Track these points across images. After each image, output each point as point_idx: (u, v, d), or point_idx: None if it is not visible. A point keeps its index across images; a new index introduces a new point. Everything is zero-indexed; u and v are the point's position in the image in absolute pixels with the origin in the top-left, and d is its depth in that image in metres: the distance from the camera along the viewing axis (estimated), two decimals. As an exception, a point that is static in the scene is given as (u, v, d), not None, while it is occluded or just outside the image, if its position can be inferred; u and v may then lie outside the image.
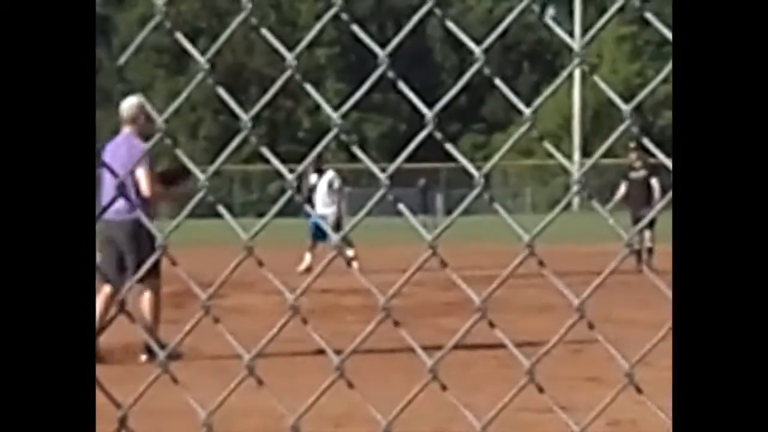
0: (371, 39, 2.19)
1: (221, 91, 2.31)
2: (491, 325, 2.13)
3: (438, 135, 2.11)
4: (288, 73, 2.22)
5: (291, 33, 68.87)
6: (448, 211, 55.86)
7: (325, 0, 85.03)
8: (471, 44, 2.10)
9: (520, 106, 2.08)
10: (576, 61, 2.05)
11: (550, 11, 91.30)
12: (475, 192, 2.12)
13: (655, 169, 20.85)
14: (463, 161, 2.19)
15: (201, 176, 2.28)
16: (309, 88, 2.21)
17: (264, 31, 2.31)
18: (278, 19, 79.11)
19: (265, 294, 15.20)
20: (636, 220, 20.16)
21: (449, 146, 2.16)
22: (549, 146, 2.17)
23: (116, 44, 75.29)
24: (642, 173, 20.65)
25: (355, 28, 2.20)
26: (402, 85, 2.14)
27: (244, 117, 2.24)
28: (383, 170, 2.17)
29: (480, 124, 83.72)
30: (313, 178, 21.44)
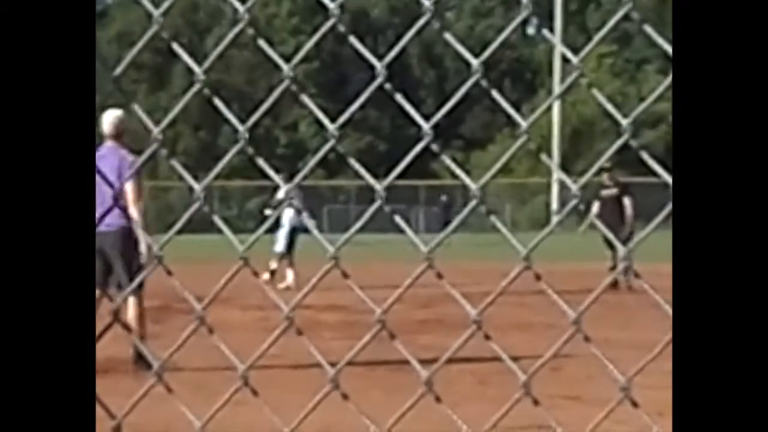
0: (352, 56, 2.20)
1: (218, 103, 2.31)
2: (487, 337, 2.13)
3: (435, 147, 2.11)
4: (285, 83, 2.22)
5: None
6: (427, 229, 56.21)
7: (299, 16, 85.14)
8: (469, 56, 2.11)
9: (518, 119, 2.09)
10: (576, 72, 2.06)
11: (530, 30, 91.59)
12: (472, 205, 2.12)
13: (626, 188, 20.89)
14: (462, 175, 2.19)
15: (197, 186, 2.28)
16: (306, 99, 2.23)
17: (263, 43, 2.32)
18: (253, 35, 78.83)
19: (243, 309, 15.19)
20: (608, 239, 20.14)
21: (447, 159, 2.16)
22: (549, 161, 2.17)
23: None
24: (613, 191, 20.67)
25: (353, 40, 2.21)
26: (399, 98, 2.14)
27: (240, 128, 2.24)
28: (378, 184, 2.17)
29: (459, 141, 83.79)
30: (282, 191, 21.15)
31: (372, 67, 2.18)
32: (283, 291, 19.55)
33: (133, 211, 9.77)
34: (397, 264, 21.38)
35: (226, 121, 2.34)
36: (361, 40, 2.23)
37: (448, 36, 2.16)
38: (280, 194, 21.31)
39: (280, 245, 20.75)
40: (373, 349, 2.36)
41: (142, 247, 9.88)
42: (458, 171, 2.19)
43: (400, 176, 2.18)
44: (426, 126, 2.09)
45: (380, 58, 2.19)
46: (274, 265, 20.41)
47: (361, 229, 2.27)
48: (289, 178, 21.44)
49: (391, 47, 2.19)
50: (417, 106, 2.17)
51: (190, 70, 2.32)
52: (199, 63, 2.33)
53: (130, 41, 75.05)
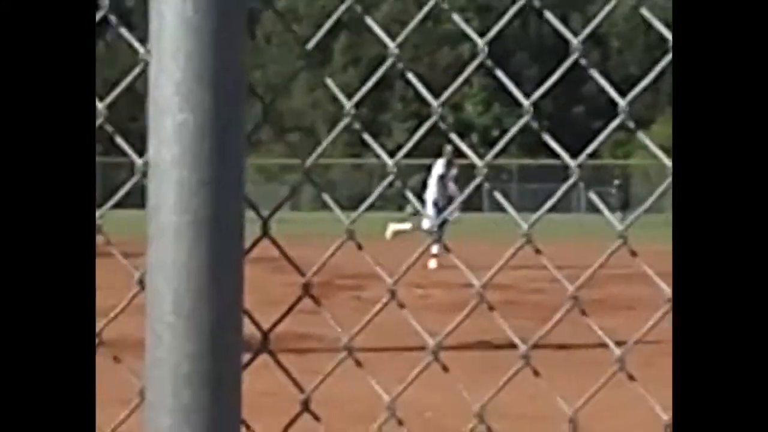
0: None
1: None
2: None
3: (631, 124, 2.09)
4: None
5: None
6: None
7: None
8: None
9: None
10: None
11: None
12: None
13: None
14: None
15: (390, 161, 2.28)
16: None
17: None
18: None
19: (404, 286, 15.26)
20: None
21: (644, 137, 2.15)
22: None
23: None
24: None
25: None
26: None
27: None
28: (572, 162, 2.16)
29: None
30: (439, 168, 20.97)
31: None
32: (434, 270, 19.54)
33: None
34: (585, 242, 21.17)
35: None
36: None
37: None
38: (437, 170, 21.10)
39: (426, 222, 20.51)
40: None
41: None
42: (657, 151, 2.14)
43: (591, 156, 2.15)
44: (622, 102, 2.07)
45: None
46: (435, 249, 20.09)
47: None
48: (454, 155, 21.26)
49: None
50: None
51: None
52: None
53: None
